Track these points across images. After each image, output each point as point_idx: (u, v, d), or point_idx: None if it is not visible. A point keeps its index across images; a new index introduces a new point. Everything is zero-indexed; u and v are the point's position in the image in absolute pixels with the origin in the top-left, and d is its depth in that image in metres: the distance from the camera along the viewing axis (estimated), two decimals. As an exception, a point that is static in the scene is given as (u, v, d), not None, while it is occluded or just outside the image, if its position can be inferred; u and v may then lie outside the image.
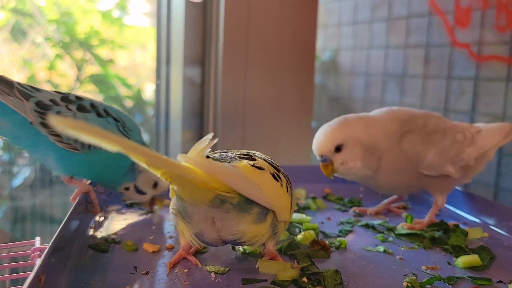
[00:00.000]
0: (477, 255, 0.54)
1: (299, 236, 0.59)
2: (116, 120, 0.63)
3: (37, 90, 0.60)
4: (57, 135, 0.59)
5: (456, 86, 0.95)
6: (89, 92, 1.38)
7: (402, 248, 0.58)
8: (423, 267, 0.52)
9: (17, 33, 1.23)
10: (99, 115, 0.62)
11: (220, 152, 0.50)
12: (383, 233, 0.63)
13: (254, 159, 0.49)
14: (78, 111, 0.60)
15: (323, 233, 0.62)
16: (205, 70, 1.18)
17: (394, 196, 0.75)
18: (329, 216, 0.70)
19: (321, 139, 0.63)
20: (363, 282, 0.48)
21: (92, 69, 1.36)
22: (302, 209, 0.72)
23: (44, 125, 0.58)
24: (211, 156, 0.48)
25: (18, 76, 1.28)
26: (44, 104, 0.59)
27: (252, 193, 0.45)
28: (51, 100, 0.59)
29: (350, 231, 0.63)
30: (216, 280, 0.47)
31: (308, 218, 0.66)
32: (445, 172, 0.65)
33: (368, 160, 0.63)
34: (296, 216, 0.66)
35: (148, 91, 1.43)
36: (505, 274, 0.52)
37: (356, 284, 0.48)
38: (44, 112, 0.58)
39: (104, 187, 0.71)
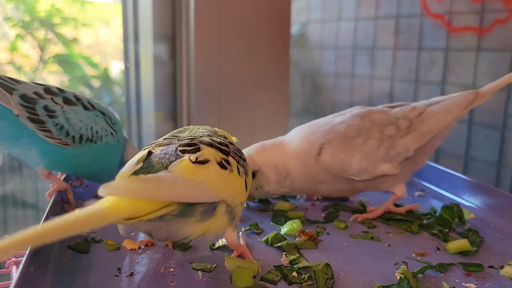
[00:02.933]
0: (466, 240, 0.53)
1: (285, 227, 0.57)
2: (102, 113, 0.61)
3: (17, 82, 0.57)
4: (47, 130, 0.56)
5: (426, 57, 0.94)
6: (54, 73, 1.32)
7: (390, 234, 0.57)
8: (413, 254, 0.52)
9: (-25, 13, 1.16)
10: (85, 107, 0.59)
11: (163, 145, 0.46)
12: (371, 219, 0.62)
13: (199, 149, 0.45)
14: (65, 103, 0.57)
15: (309, 220, 0.61)
16: (176, 46, 1.14)
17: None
18: (312, 202, 0.69)
19: None
20: (354, 274, 0.47)
21: (56, 49, 1.30)
22: (284, 196, 0.71)
23: (32, 119, 0.55)
24: (153, 151, 0.45)
25: None
26: (29, 97, 0.56)
27: (194, 197, 0.42)
28: (35, 93, 0.56)
29: (336, 217, 0.62)
30: (204, 279, 0.46)
31: (292, 205, 0.65)
32: (380, 173, 0.63)
33: (283, 182, 0.64)
34: (281, 203, 0.65)
35: (115, 70, 1.38)
36: (495, 258, 0.52)
37: (347, 277, 0.47)
38: (31, 106, 0.55)
39: (93, 181, 0.68)
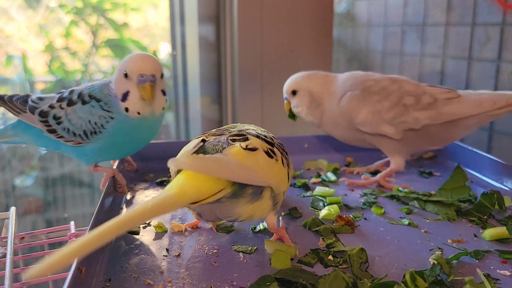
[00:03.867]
0: (504, 227, 0.54)
1: (323, 212, 0.59)
2: (98, 100, 0.61)
3: (41, 99, 0.63)
4: (60, 136, 0.62)
5: (481, 33, 0.92)
6: (106, 57, 1.38)
7: (427, 220, 0.58)
8: (449, 241, 0.53)
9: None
10: (83, 102, 0.61)
11: (215, 135, 0.50)
12: (407, 204, 0.63)
13: (247, 139, 0.49)
14: (67, 106, 0.62)
15: (347, 206, 0.63)
16: (220, 28, 1.16)
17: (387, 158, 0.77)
18: (352, 187, 0.70)
19: (286, 82, 0.76)
20: (388, 259, 0.49)
21: (107, 33, 1.35)
22: (324, 181, 0.73)
23: (50, 131, 0.62)
24: (206, 141, 0.49)
25: (36, 42, 1.29)
26: (44, 112, 0.62)
27: (245, 178, 0.46)
28: (50, 105, 0.62)
29: (374, 203, 0.64)
30: (245, 260, 0.49)
31: (331, 190, 0.67)
32: (381, 131, 0.70)
33: (313, 110, 0.74)
34: (320, 189, 0.67)
35: (164, 53, 1.42)
36: (532, 246, 0.52)
37: (382, 261, 0.48)
38: (45, 120, 0.62)
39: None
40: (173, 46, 1.27)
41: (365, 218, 0.59)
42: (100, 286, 0.43)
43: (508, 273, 0.46)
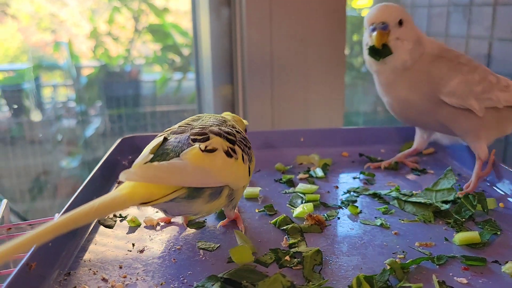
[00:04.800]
0: (476, 232, 0.52)
1: (297, 210, 0.59)
2: None
3: None
4: None
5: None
6: (148, 43, 1.42)
7: (402, 221, 0.57)
8: (416, 244, 0.51)
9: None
10: None
11: (177, 133, 0.51)
12: (388, 203, 0.62)
13: (208, 138, 0.49)
14: None
15: (324, 204, 0.62)
16: (231, 16, 1.16)
17: (410, 150, 0.75)
18: (337, 184, 0.69)
19: (388, 7, 0.65)
20: (346, 262, 0.48)
21: (149, 19, 1.38)
22: (312, 177, 0.72)
23: None
24: (168, 138, 0.50)
25: (83, 28, 1.34)
26: None
27: (202, 183, 0.47)
28: None
29: (354, 201, 0.63)
30: (203, 258, 0.50)
31: (314, 187, 0.66)
32: (467, 105, 0.64)
33: (415, 49, 0.66)
34: (302, 186, 0.67)
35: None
36: (505, 253, 0.49)
37: (339, 264, 0.48)
38: None
39: None
40: (195, 31, 1.27)
41: (338, 218, 0.58)
42: (58, 280, 0.46)
43: (465, 280, 0.44)
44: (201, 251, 0.51)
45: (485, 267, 0.47)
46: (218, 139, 0.50)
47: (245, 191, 0.65)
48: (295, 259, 0.48)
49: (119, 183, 0.68)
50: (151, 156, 0.48)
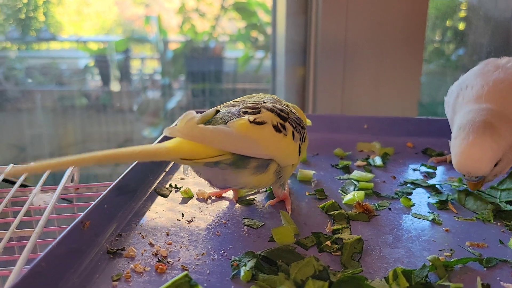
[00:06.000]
0: (536, 237, 0.48)
1: (348, 197, 0.58)
2: None
3: None
4: None
5: None
6: (233, 20, 1.45)
7: (457, 219, 0.54)
8: (467, 243, 0.49)
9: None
10: None
11: (229, 106, 0.52)
12: (446, 200, 0.59)
13: (259, 112, 0.50)
14: None
15: (377, 193, 0.61)
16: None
17: None
18: (395, 175, 0.67)
19: (481, 161, 0.54)
20: (385, 253, 0.47)
21: None
22: (369, 165, 0.70)
23: None
24: (220, 110, 0.51)
25: (177, 2, 1.40)
26: None
27: (246, 151, 0.48)
28: None
29: (409, 194, 0.61)
30: (246, 234, 0.51)
31: (369, 176, 0.65)
32: None
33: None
34: (357, 173, 0.66)
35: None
36: None
37: (380, 255, 0.47)
38: None
39: None
40: (273, 11, 1.27)
41: (389, 208, 0.57)
42: (110, 240, 0.49)
43: (511, 286, 0.42)
44: (245, 227, 0.52)
45: (538, 276, 0.44)
46: (269, 113, 0.50)
47: (299, 174, 0.65)
48: (336, 245, 0.48)
49: None
50: (198, 116, 0.49)
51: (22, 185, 0.64)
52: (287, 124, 0.51)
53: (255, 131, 0.48)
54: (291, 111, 0.55)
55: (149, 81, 1.55)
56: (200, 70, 1.48)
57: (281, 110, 0.52)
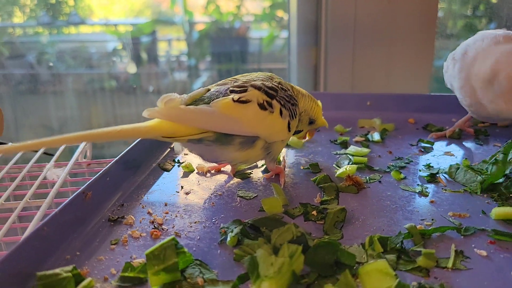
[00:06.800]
0: (516, 208, 0.49)
1: (340, 170, 0.61)
2: None
3: None
4: None
5: None
6: (256, 0, 1.45)
7: (445, 191, 0.56)
8: (449, 213, 0.51)
9: None
10: None
11: (220, 85, 0.54)
12: (436, 172, 0.61)
13: (246, 91, 0.52)
14: None
15: (370, 167, 0.63)
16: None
17: (468, 114, 0.73)
18: (391, 150, 0.69)
19: None
20: (368, 222, 0.49)
21: None
22: (368, 140, 0.72)
23: None
24: (211, 89, 0.53)
25: None
26: None
27: (228, 129, 0.50)
28: None
29: (402, 167, 0.62)
30: (239, 205, 0.54)
31: (365, 150, 0.67)
32: None
33: None
34: (353, 148, 0.68)
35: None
36: (542, 231, 0.47)
37: (362, 224, 0.49)
38: None
39: None
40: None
41: (379, 181, 0.59)
42: (112, 209, 0.53)
43: (485, 253, 0.43)
44: (238, 198, 0.56)
45: (510, 243, 0.45)
46: (256, 92, 0.53)
47: (290, 140, 0.68)
48: (321, 215, 0.51)
49: None
50: (184, 96, 0.52)
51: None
52: (274, 102, 0.53)
53: (239, 110, 0.50)
54: (282, 88, 0.57)
55: (175, 63, 1.58)
56: (226, 51, 1.50)
57: (270, 88, 0.54)
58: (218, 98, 0.51)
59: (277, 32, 1.50)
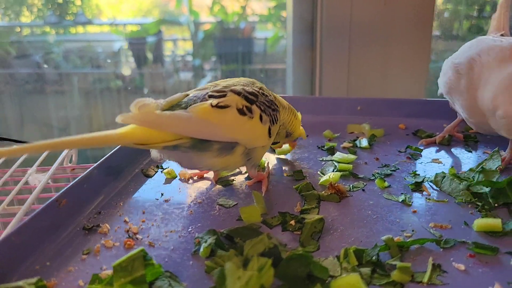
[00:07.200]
0: (499, 219, 0.48)
1: (323, 178, 0.60)
2: None
3: None
4: None
5: None
6: (262, 0, 1.45)
7: (428, 201, 0.55)
8: (431, 224, 0.49)
9: None
10: None
11: (199, 90, 0.53)
12: (422, 181, 0.59)
13: (225, 96, 0.51)
14: None
15: (354, 175, 0.61)
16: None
17: (457, 120, 0.72)
18: (378, 156, 0.68)
19: None
20: (345, 233, 0.48)
21: None
22: (355, 146, 0.71)
23: None
24: (189, 94, 0.52)
25: None
26: None
27: (206, 135, 0.49)
28: None
29: (388, 175, 0.61)
30: (217, 213, 0.53)
31: (352, 157, 0.66)
32: None
33: None
34: (339, 154, 0.66)
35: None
36: (525, 244, 0.46)
37: (340, 234, 0.48)
38: None
39: None
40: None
41: (363, 190, 0.58)
42: (89, 217, 0.52)
43: (463, 267, 0.42)
44: (217, 206, 0.55)
45: (494, 257, 0.44)
46: (235, 97, 0.52)
47: (277, 150, 0.67)
48: (299, 224, 0.50)
49: None
50: (160, 101, 0.50)
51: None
52: (253, 107, 0.52)
53: (217, 115, 0.49)
54: (263, 93, 0.56)
55: (181, 63, 1.58)
56: (231, 51, 1.49)
57: (251, 93, 0.53)
58: (196, 103, 0.50)
59: (282, 33, 1.50)
